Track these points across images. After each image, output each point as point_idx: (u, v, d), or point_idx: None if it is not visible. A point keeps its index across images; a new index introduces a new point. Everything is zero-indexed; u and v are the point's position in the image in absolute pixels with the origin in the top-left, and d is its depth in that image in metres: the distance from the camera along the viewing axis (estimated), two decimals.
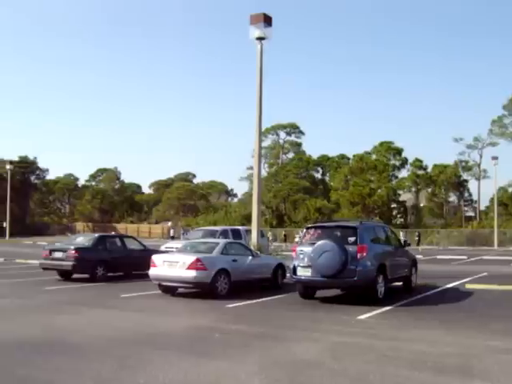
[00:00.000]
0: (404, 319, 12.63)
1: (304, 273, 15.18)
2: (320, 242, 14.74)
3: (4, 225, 71.95)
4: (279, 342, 10.06)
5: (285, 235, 61.53)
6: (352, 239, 14.85)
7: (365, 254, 14.64)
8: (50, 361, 8.54)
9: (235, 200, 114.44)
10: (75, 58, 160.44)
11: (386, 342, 9.97)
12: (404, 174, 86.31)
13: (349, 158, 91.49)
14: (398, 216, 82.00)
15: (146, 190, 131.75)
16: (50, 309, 14.01)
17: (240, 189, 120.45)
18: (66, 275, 20.56)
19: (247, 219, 62.11)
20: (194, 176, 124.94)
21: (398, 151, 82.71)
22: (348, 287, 15.67)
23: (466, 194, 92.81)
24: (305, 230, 16.52)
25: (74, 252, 20.02)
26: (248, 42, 25.32)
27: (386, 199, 76.41)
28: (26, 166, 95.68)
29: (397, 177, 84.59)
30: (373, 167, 79.89)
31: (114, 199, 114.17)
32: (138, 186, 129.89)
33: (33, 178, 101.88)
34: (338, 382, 7.40)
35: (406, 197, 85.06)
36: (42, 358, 8.76)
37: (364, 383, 7.35)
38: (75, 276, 20.46)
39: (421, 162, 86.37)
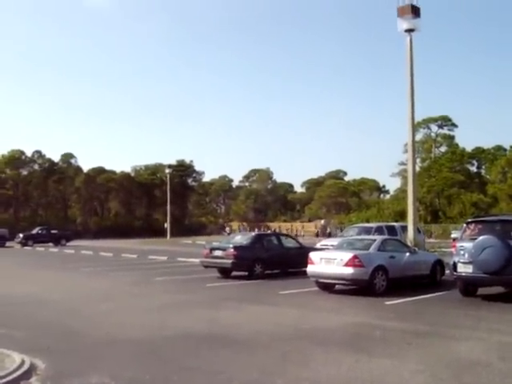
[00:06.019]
0: None
1: (465, 269, 14.68)
2: (481, 237, 14.20)
3: (165, 225, 75.80)
4: (441, 340, 9.86)
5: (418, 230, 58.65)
6: None
7: None
8: (216, 353, 8.96)
9: (387, 196, 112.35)
10: (223, 62, 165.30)
11: None
12: None
13: (505, 149, 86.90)
14: None
15: (298, 188, 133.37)
16: (212, 304, 14.62)
17: (392, 185, 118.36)
18: (225, 273, 21.28)
19: (400, 215, 60.76)
20: (345, 173, 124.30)
21: None
22: None
23: None
24: (465, 225, 15.99)
25: (232, 250, 20.70)
26: (396, 33, 24.98)
27: None
28: (183, 170, 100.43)
29: None
30: None
31: (267, 199, 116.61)
32: (290, 185, 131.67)
33: (190, 180, 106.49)
34: None
35: None
36: (208, 350, 9.21)
37: None
38: (234, 273, 21.13)
39: None
